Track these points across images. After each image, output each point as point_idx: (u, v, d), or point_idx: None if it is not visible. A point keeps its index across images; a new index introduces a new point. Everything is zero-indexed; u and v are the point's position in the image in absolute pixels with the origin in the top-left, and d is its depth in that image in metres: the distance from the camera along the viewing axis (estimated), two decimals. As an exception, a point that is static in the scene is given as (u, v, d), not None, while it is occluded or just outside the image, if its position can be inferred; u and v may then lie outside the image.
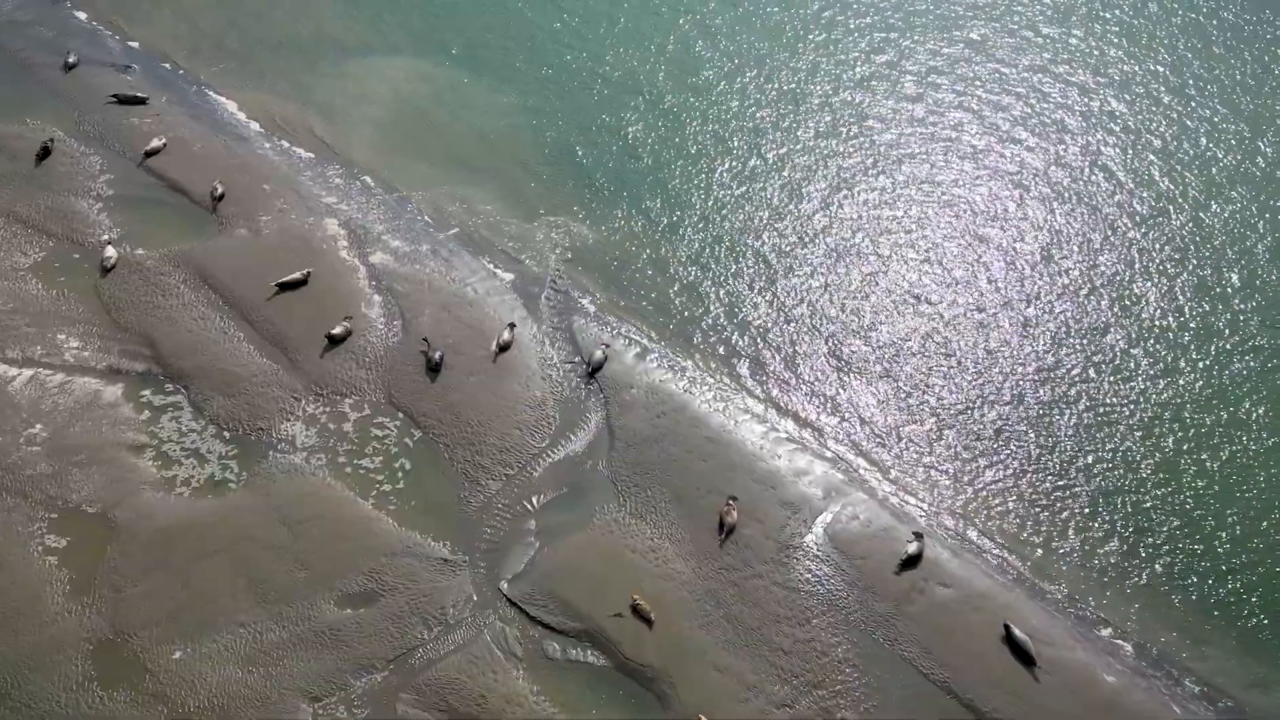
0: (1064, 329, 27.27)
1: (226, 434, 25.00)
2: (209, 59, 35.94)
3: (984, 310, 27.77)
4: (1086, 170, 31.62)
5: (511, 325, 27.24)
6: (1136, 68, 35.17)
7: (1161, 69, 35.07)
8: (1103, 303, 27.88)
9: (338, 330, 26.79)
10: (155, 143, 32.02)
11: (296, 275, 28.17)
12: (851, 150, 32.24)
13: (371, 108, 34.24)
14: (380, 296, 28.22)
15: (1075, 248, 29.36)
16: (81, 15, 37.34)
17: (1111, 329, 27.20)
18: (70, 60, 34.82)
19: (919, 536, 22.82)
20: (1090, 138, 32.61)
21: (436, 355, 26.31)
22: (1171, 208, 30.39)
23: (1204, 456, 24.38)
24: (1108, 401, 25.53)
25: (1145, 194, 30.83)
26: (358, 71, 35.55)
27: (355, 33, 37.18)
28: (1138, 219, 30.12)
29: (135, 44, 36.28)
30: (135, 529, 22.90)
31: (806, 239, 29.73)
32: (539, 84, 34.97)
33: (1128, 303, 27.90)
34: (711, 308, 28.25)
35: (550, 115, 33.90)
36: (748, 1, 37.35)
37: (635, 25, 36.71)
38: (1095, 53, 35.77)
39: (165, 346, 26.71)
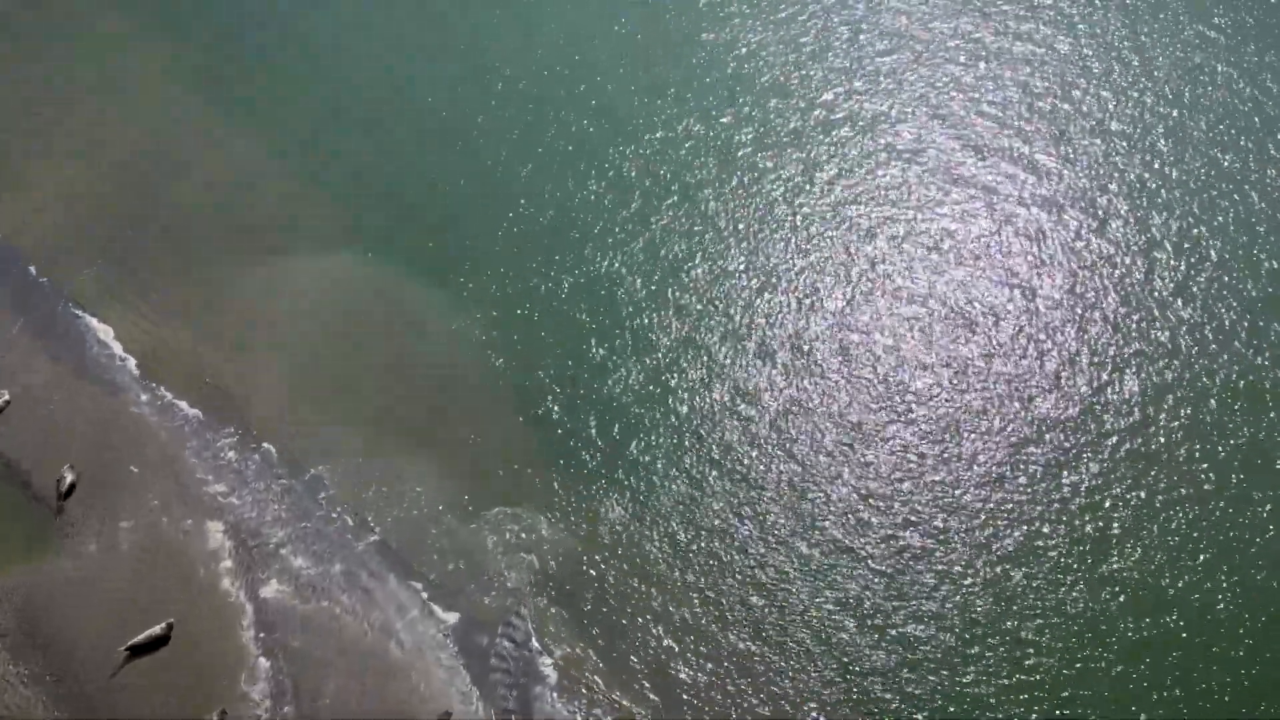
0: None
1: None
2: (87, 256, 28.24)
3: None
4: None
5: (447, 716, 19.63)
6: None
7: None
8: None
9: (198, 745, 19.25)
10: (-5, 401, 24.52)
11: (156, 630, 20.65)
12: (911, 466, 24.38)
13: (290, 331, 26.52)
14: (269, 661, 20.58)
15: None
16: (-71, 196, 29.77)
17: None
18: (-102, 274, 27.33)
19: None
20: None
21: (337, 780, 18.76)
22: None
23: None
24: None
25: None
26: (280, 274, 27.67)
27: (288, 214, 29.23)
28: None
29: (-8, 239, 28.66)
30: None
31: (864, 592, 21.81)
32: (512, 301, 26.75)
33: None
34: (730, 679, 20.49)
35: (522, 348, 25.85)
36: (766, 183, 29.40)
37: (637, 223, 28.39)
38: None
39: (-40, 763, 19.28)
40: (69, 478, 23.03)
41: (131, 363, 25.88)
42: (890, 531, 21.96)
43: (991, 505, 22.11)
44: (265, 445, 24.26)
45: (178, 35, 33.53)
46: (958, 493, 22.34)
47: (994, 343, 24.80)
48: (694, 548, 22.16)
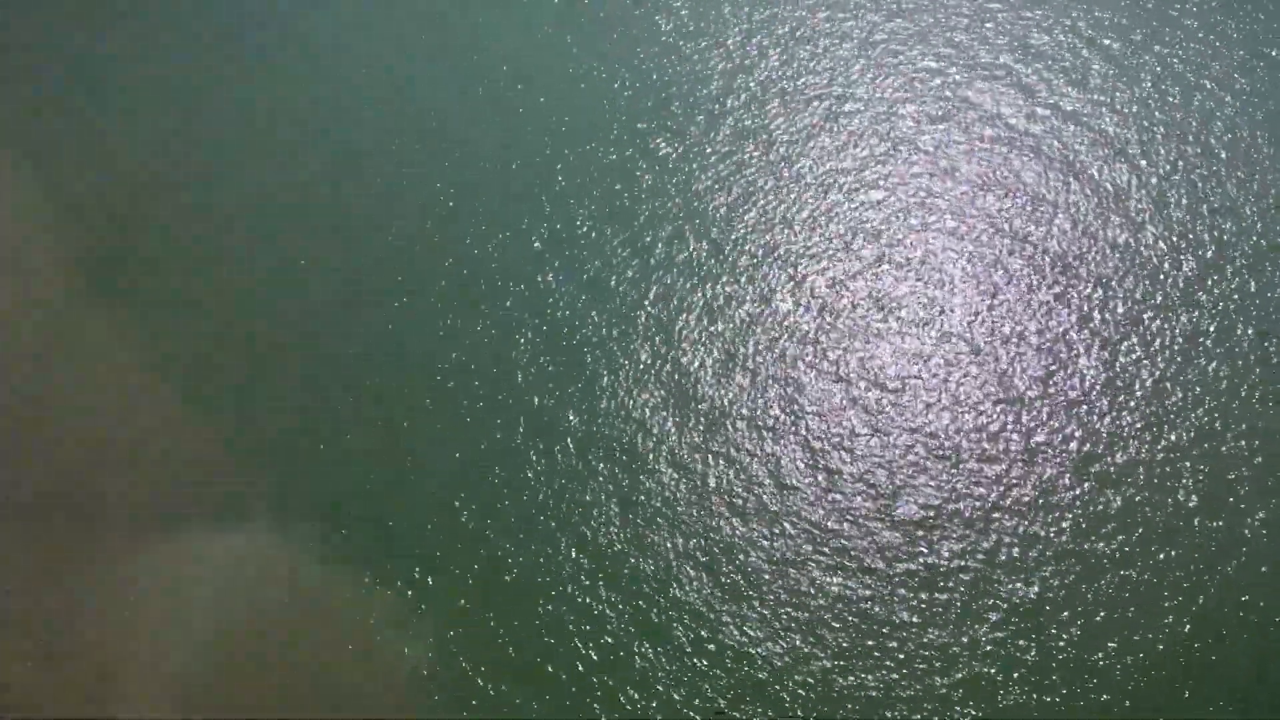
0: None
1: None
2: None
3: None
4: None
5: None
6: None
7: None
8: None
9: None
10: None
11: None
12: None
13: (174, 657, 19.89)
14: None
15: None
16: None
17: None
18: None
19: None
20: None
21: None
22: None
23: None
24: None
25: None
26: (167, 564, 20.84)
27: (192, 461, 21.96)
28: None
29: None
30: None
31: None
32: (474, 611, 19.86)
33: None
34: None
35: (488, 682, 19.19)
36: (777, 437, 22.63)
37: (647, 531, 21.07)
38: None
39: None
40: None
41: (-34, 720, 19.38)
42: None
43: None
44: None
45: (59, 209, 26.47)
46: None
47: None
48: None
